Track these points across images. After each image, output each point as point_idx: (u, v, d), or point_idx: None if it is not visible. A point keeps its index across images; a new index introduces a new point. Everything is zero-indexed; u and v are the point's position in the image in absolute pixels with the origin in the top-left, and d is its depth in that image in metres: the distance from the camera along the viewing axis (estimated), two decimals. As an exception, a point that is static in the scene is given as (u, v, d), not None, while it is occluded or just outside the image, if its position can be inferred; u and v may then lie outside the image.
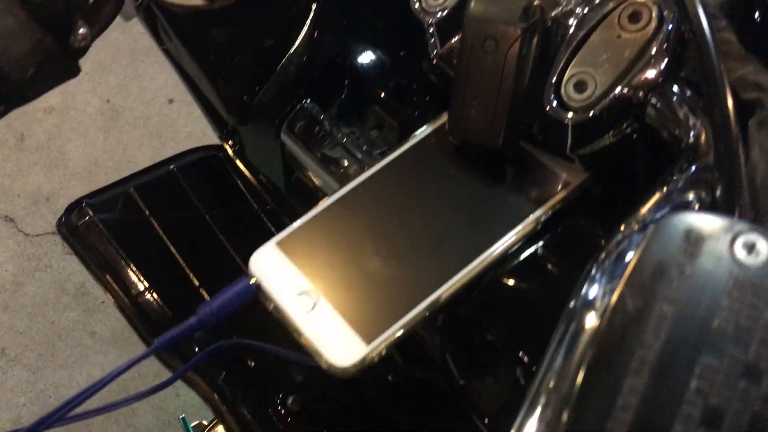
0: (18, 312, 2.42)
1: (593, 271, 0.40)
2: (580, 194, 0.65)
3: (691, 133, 0.53)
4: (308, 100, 0.75)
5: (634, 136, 0.60)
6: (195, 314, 0.62)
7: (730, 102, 0.48)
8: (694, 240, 0.33)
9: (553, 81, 0.60)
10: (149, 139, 2.78)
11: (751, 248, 0.32)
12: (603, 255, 0.42)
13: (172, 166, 1.20)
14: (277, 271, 0.62)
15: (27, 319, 2.42)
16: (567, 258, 0.64)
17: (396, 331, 0.58)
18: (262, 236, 0.63)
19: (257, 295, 0.62)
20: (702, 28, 0.51)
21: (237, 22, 0.80)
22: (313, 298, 0.59)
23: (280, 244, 0.63)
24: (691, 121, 0.53)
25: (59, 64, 0.73)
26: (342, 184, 0.66)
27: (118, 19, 0.77)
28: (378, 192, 0.66)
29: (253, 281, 0.61)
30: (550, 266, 0.65)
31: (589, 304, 0.37)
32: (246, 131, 0.83)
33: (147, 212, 1.15)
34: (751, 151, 0.50)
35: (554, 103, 0.59)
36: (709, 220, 0.33)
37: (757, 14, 0.58)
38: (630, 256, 0.35)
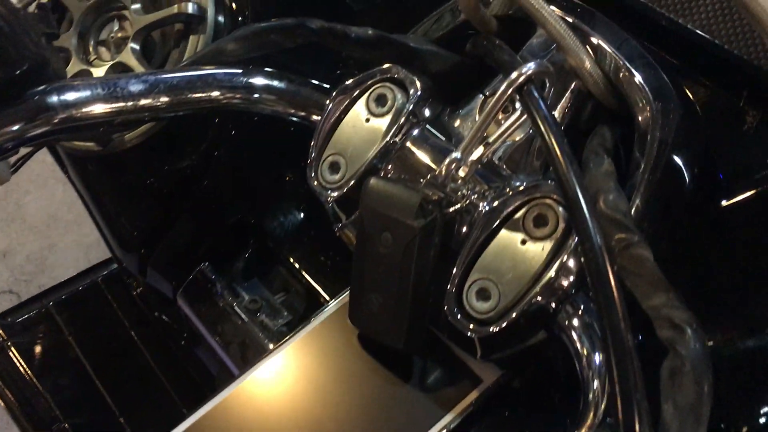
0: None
1: None
2: (495, 391, 0.58)
3: (591, 373, 0.47)
4: (207, 264, 0.69)
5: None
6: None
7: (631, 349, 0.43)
8: None
9: (454, 289, 0.53)
10: (109, 190, 2.70)
11: None
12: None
13: (97, 277, 1.13)
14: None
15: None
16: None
17: None
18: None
19: None
20: (595, 253, 0.45)
21: (133, 169, 0.74)
22: None
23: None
24: (594, 357, 0.48)
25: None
26: (239, 368, 0.60)
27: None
28: (275, 384, 0.59)
29: None
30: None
31: None
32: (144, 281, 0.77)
33: (66, 332, 1.07)
34: (662, 404, 0.44)
35: (457, 314, 0.53)
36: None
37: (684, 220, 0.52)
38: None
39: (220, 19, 0.74)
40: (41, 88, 0.57)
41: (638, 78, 0.52)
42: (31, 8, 0.62)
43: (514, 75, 0.50)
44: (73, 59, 0.76)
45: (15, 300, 2.55)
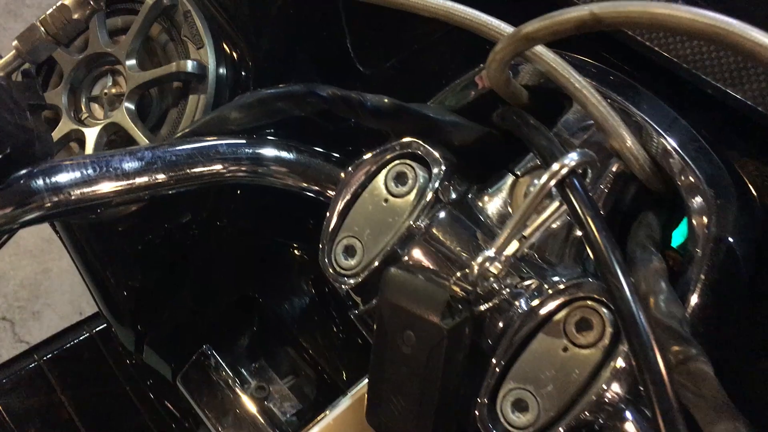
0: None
1: None
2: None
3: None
4: (208, 346, 0.63)
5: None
6: None
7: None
8: None
9: (486, 398, 0.47)
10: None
11: None
12: None
13: (91, 330, 1.08)
14: None
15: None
16: None
17: None
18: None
19: None
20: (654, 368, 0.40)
21: (128, 238, 0.68)
22: None
23: None
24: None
25: None
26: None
27: None
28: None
29: None
30: None
31: None
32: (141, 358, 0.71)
33: (59, 390, 1.02)
34: None
35: (491, 428, 0.47)
36: None
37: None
38: None
39: (222, 76, 0.68)
40: (26, 171, 0.51)
41: (690, 164, 0.47)
42: (15, 76, 0.56)
43: (555, 167, 0.44)
44: (63, 118, 0.71)
45: (8, 327, 2.50)
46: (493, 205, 0.54)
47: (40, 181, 0.51)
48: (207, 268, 0.66)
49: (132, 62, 0.69)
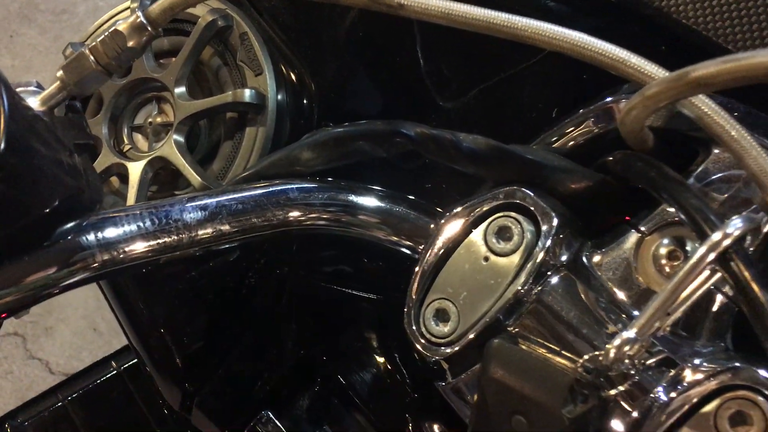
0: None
1: None
2: None
3: None
4: (266, 412, 0.56)
5: None
6: None
7: None
8: None
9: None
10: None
11: None
12: None
13: (119, 367, 1.00)
14: None
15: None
16: None
17: None
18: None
19: None
20: None
21: (176, 285, 0.61)
22: None
23: None
24: None
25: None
26: None
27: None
28: None
29: None
30: None
31: None
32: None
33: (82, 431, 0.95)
34: None
35: None
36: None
37: None
38: None
39: (283, 106, 0.61)
40: (73, 224, 0.44)
41: None
42: (58, 110, 0.49)
43: (717, 236, 0.37)
44: (103, 149, 0.64)
45: (20, 343, 2.45)
46: (613, 267, 0.47)
47: (91, 236, 0.44)
48: (266, 323, 0.59)
49: (181, 90, 0.62)
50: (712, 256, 0.37)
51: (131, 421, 0.94)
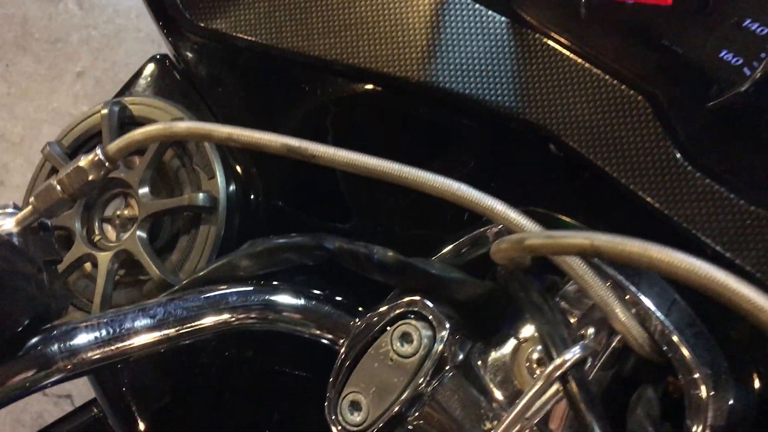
0: (-30, 449, 2.29)
1: None
2: None
3: None
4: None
5: None
6: None
7: None
8: None
9: None
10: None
11: None
12: None
13: (97, 413, 1.09)
14: None
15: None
16: None
17: None
18: None
19: None
20: None
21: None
22: None
23: None
24: None
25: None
26: None
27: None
28: None
29: None
30: None
31: None
32: None
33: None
34: None
35: None
36: None
37: None
38: None
39: (233, 206, 0.70)
40: (41, 337, 0.53)
41: (686, 350, 0.48)
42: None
43: (558, 361, 0.46)
44: (76, 241, 0.72)
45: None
46: (495, 368, 0.55)
47: (55, 347, 0.53)
48: (218, 398, 0.68)
49: (145, 190, 0.71)
50: (555, 375, 0.46)
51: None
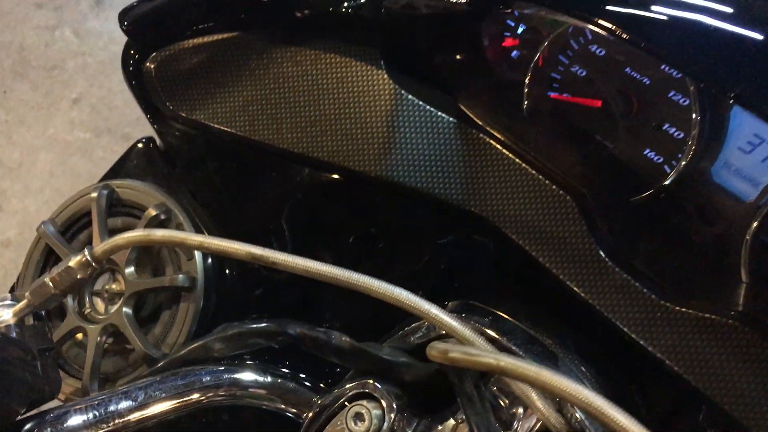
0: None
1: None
2: None
3: None
4: None
5: None
6: None
7: None
8: None
9: None
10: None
11: None
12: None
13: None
14: None
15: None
16: None
17: None
18: None
19: None
20: None
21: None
22: None
23: None
24: None
25: None
26: None
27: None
28: None
29: None
30: None
31: None
32: None
33: None
34: None
35: None
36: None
37: None
38: None
39: (210, 284, 0.78)
40: (35, 422, 0.60)
41: None
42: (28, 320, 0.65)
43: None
44: (68, 314, 0.79)
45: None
46: (437, 446, 0.63)
47: (48, 430, 0.60)
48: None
49: (130, 269, 0.78)
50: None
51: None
